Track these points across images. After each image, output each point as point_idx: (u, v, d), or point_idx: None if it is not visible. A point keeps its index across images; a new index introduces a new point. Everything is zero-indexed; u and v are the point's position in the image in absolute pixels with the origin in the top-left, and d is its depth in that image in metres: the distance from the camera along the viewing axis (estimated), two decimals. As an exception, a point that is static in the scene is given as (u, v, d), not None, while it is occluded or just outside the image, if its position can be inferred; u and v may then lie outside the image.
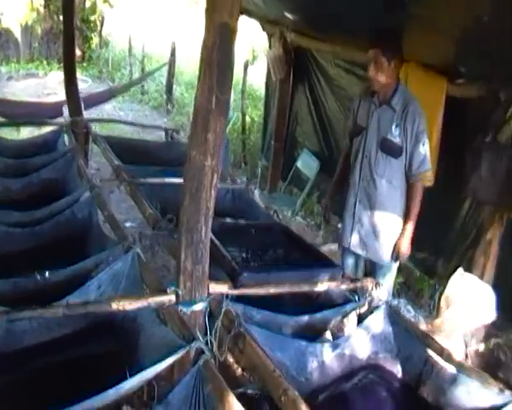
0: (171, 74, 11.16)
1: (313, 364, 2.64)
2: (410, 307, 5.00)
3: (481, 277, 4.34)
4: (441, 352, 2.74)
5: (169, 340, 2.23)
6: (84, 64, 14.23)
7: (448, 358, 2.70)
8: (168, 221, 3.15)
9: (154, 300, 2.37)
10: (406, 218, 3.48)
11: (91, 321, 2.59)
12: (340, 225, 4.13)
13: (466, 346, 4.12)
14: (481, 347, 4.20)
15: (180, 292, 2.37)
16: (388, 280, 3.72)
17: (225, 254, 2.77)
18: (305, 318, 2.77)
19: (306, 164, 6.05)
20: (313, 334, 2.84)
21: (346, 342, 2.84)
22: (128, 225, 5.24)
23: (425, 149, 3.38)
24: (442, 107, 4.23)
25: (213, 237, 2.40)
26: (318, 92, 6.10)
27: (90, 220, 3.39)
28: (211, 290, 2.48)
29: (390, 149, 3.40)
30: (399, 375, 2.90)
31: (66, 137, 4.91)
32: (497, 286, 4.09)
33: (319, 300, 3.01)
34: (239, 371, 3.33)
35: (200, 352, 2.10)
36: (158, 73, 11.35)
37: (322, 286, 2.90)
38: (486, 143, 4.02)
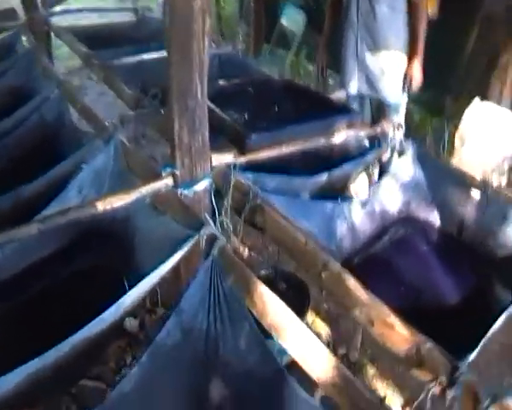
0: None
1: (343, 227, 2.31)
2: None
3: (498, 104, 4.03)
4: (484, 187, 2.39)
5: (171, 232, 1.84)
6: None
7: (494, 194, 2.36)
8: (152, 98, 2.69)
9: (148, 188, 1.96)
10: (413, 42, 3.25)
11: (75, 234, 2.21)
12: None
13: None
14: (504, 181, 3.91)
15: (178, 172, 1.97)
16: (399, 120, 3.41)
17: (225, 118, 2.33)
18: (324, 176, 2.39)
19: (291, 19, 5.65)
20: (335, 193, 2.51)
21: (374, 196, 2.50)
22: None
23: None
24: None
25: (208, 102, 1.95)
26: None
27: (61, 120, 2.93)
28: (214, 163, 2.07)
29: None
30: (437, 223, 2.57)
31: (24, 40, 4.34)
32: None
33: (336, 154, 2.63)
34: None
35: (213, 238, 1.72)
36: None
37: (340, 136, 2.51)
38: None
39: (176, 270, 1.80)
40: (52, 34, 4.26)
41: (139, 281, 1.64)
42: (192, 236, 1.75)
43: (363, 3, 3.22)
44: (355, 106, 3.50)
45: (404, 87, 3.37)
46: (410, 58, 3.29)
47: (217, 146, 2.12)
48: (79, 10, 5.32)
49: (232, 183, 2.03)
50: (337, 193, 2.52)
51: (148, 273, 1.66)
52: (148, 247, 2.01)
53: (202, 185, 2.02)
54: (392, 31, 3.24)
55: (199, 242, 1.74)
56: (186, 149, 1.94)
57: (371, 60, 3.34)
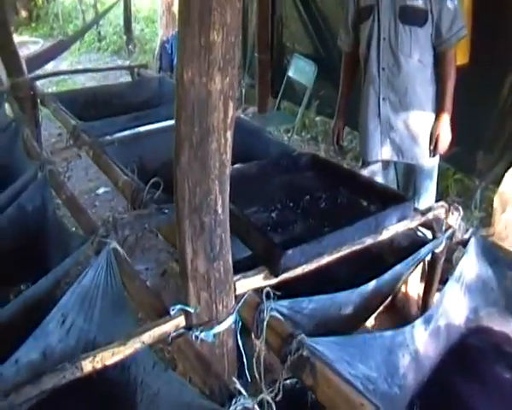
0: (128, 11, 10.07)
1: (405, 360, 1.77)
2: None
3: None
4: None
5: (186, 403, 1.32)
6: (33, 24, 12.98)
7: None
8: (152, 187, 2.17)
9: (150, 334, 1.44)
10: (441, 98, 2.78)
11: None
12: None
13: None
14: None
15: (192, 310, 1.45)
16: (432, 188, 3.08)
17: (250, 226, 1.81)
18: (371, 285, 1.86)
19: (300, 71, 5.16)
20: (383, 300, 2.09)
21: (438, 308, 1.96)
22: (101, 191, 4.36)
23: (454, 3, 2.65)
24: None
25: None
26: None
27: (43, 212, 2.41)
28: (239, 289, 1.56)
29: (413, 17, 2.68)
30: (515, 334, 2.05)
31: (7, 107, 3.87)
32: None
33: (384, 253, 2.12)
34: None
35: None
36: (114, 15, 10.42)
37: (389, 232, 2.00)
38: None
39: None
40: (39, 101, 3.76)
41: None
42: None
43: (385, 55, 2.76)
44: (379, 176, 3.01)
45: (431, 149, 2.89)
46: (438, 116, 2.82)
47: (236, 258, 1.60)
48: (69, 72, 4.84)
49: (266, 321, 1.51)
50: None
51: None
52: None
53: (225, 326, 1.50)
54: (418, 86, 2.79)
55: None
56: (203, 281, 1.43)
57: (396, 120, 2.87)
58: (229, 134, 1.31)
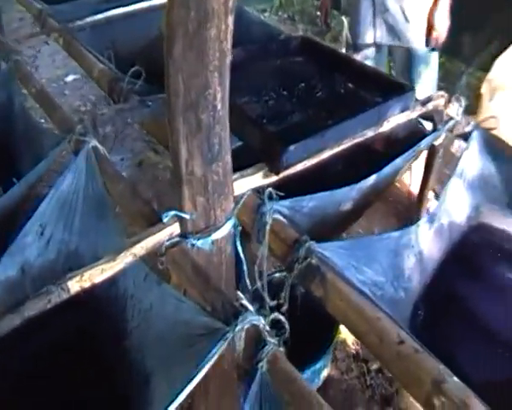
0: None
1: (410, 261, 1.69)
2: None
3: None
4: None
5: (183, 318, 1.21)
6: None
7: None
8: (133, 77, 1.96)
9: (142, 245, 1.30)
10: None
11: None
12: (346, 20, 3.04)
13: None
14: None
15: (187, 216, 1.31)
16: (428, 76, 2.97)
17: (248, 119, 1.64)
18: (371, 179, 1.73)
19: None
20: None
21: (441, 205, 1.86)
22: (70, 79, 4.07)
23: None
24: None
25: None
26: None
27: (11, 108, 2.20)
28: (236, 191, 1.42)
29: None
30: (518, 233, 1.98)
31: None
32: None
33: (383, 147, 1.99)
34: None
35: (258, 337, 1.10)
36: None
37: (389, 124, 1.87)
38: None
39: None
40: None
41: None
42: (221, 332, 1.10)
43: None
44: (370, 60, 2.83)
45: (427, 40, 2.74)
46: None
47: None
48: None
49: (269, 224, 1.38)
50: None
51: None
52: (148, 335, 1.36)
53: (224, 231, 1.36)
54: None
55: (233, 342, 1.10)
56: (199, 185, 1.27)
57: (390, 0, 2.67)
58: (230, 19, 1.11)
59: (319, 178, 1.72)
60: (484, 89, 3.49)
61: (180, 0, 1.06)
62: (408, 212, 2.75)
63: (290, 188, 1.55)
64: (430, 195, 2.29)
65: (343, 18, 4.17)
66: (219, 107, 1.19)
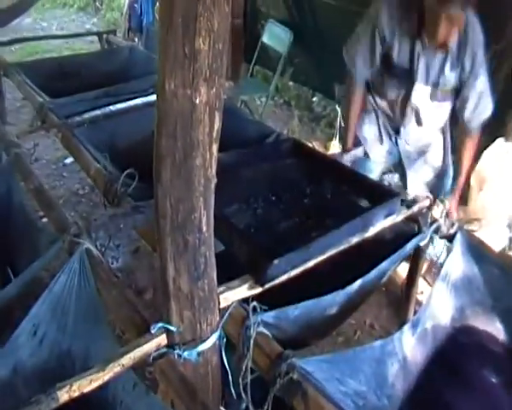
0: None
1: (393, 368, 1.73)
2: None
3: None
4: None
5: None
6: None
7: None
8: (127, 177, 2.04)
9: (130, 356, 1.34)
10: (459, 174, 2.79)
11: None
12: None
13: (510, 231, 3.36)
14: (530, 231, 3.41)
15: (174, 329, 1.36)
16: None
17: (235, 231, 1.70)
18: (357, 284, 1.78)
19: (275, 37, 5.04)
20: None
21: (425, 310, 1.91)
22: (69, 161, 4.12)
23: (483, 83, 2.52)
24: None
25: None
26: None
27: (9, 202, 2.27)
28: (223, 302, 1.47)
29: (444, 98, 2.60)
30: (500, 337, 2.02)
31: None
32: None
33: (369, 251, 2.04)
34: None
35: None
36: None
37: (374, 230, 1.93)
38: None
39: None
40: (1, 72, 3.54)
41: None
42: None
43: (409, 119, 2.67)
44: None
45: None
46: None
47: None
48: (35, 39, 4.60)
49: (253, 338, 1.42)
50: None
51: None
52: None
53: (209, 343, 1.41)
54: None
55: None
56: (186, 301, 1.33)
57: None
58: (214, 148, 1.20)
59: (305, 281, 1.77)
60: (473, 180, 3.59)
61: (167, 132, 1.15)
62: (400, 303, 2.78)
63: (276, 293, 1.60)
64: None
65: (337, 106, 4.31)
66: (204, 229, 1.27)
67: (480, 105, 2.54)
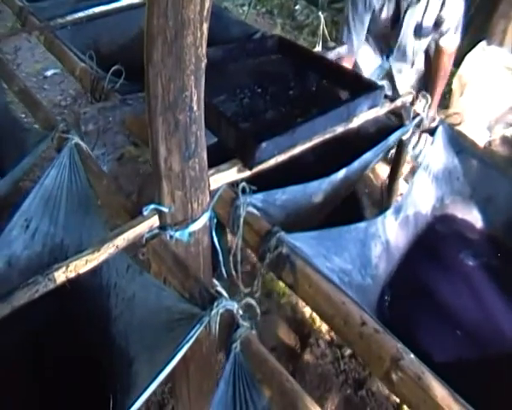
0: None
1: (377, 250, 1.80)
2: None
3: (501, 44, 3.59)
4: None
5: (162, 304, 1.30)
6: None
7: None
8: (114, 75, 2.04)
9: (124, 237, 1.38)
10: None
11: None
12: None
13: (490, 133, 3.43)
14: (510, 131, 3.49)
15: (166, 210, 1.40)
16: None
17: (223, 118, 1.72)
18: (342, 173, 1.84)
19: None
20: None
21: (407, 197, 1.97)
22: (50, 73, 4.07)
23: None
24: None
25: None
26: None
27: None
28: (212, 184, 1.51)
29: (427, 32, 2.86)
30: (478, 224, 2.09)
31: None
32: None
33: (353, 142, 2.08)
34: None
35: (230, 321, 1.19)
36: None
37: (358, 121, 1.96)
38: None
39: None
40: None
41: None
42: (198, 316, 1.20)
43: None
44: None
45: None
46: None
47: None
48: None
49: (243, 217, 1.47)
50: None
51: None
52: (130, 323, 1.45)
53: (200, 223, 1.46)
54: None
55: (209, 325, 1.20)
56: (177, 180, 1.37)
57: None
58: (205, 27, 1.20)
59: (292, 170, 1.81)
60: (454, 84, 3.62)
61: (159, 11, 1.15)
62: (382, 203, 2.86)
63: (264, 180, 1.64)
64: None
65: (320, 14, 4.27)
66: (195, 108, 1.29)
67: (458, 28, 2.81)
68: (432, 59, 3.02)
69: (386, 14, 2.76)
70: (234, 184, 1.56)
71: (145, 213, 1.41)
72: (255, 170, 1.62)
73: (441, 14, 2.72)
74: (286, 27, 5.01)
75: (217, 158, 1.54)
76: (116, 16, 2.70)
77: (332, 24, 4.22)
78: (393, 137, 2.05)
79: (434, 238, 2.05)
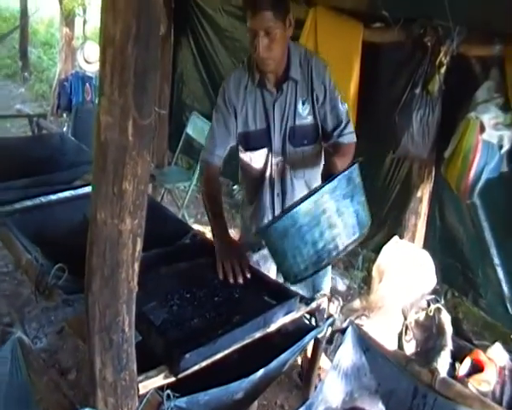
0: (24, 37, 10.12)
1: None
2: (345, 281, 4.62)
3: (412, 239, 4.05)
4: (432, 378, 2.18)
5: None
6: None
7: (443, 384, 2.15)
8: (58, 271, 2.21)
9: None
10: None
11: None
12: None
13: (405, 318, 3.78)
14: (422, 316, 3.86)
15: (99, 414, 1.59)
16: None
17: (153, 327, 1.97)
18: (260, 373, 2.05)
19: (198, 129, 5.29)
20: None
21: (318, 395, 2.20)
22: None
23: (344, 105, 2.58)
24: (359, 55, 3.87)
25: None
26: (207, 46, 5.48)
27: None
28: (141, 389, 1.71)
29: (303, 137, 2.60)
30: (383, 414, 2.32)
31: None
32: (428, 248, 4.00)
33: (272, 342, 2.32)
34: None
35: None
36: (9, 37, 10.16)
37: (276, 325, 2.21)
38: (416, 96, 3.58)
39: None
40: None
41: None
42: None
43: (278, 184, 2.73)
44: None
45: None
46: None
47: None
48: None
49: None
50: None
51: None
52: None
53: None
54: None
55: None
56: (110, 389, 1.57)
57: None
58: (136, 265, 1.48)
59: (216, 369, 2.00)
60: (374, 272, 4.00)
61: (98, 252, 1.43)
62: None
63: (190, 380, 1.85)
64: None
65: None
66: (127, 330, 1.54)
67: (349, 125, 2.59)
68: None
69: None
70: (161, 389, 1.76)
71: (80, 414, 1.60)
72: (180, 375, 1.83)
73: None
74: (224, 206, 5.31)
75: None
76: (62, 206, 2.90)
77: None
78: (309, 337, 2.27)
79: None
